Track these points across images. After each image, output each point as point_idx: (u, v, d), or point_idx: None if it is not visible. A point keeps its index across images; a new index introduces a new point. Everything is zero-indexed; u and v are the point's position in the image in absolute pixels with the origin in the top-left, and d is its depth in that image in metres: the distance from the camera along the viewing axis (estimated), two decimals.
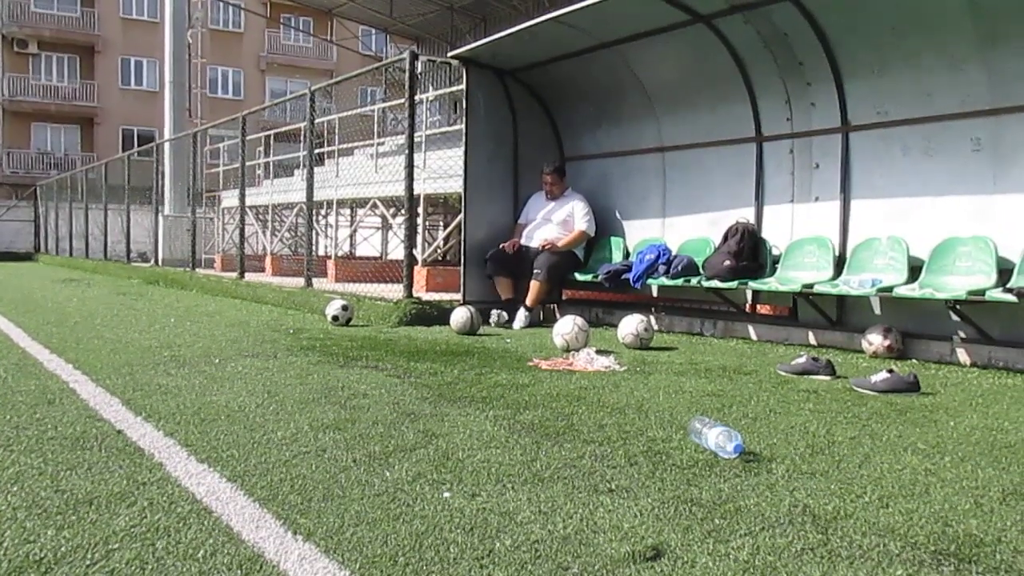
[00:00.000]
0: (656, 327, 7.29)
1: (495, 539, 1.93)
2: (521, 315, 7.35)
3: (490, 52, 7.65)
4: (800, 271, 6.17)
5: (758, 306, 6.80)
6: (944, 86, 5.52)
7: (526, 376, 4.49)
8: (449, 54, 7.82)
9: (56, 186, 26.02)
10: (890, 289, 5.32)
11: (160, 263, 18.62)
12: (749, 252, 6.41)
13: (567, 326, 5.70)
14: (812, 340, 6.18)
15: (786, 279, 6.11)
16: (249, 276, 12.25)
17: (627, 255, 7.66)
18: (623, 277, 7.10)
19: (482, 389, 4.00)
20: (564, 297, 8.46)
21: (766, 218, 6.74)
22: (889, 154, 5.90)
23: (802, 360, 4.81)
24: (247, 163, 21.78)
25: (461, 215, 7.91)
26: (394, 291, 7.95)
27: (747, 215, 6.71)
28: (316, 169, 18.17)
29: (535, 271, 7.48)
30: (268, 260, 16.35)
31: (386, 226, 17.04)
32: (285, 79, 40.87)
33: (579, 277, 7.57)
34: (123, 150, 25.50)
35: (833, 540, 1.95)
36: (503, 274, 7.64)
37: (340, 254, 16.49)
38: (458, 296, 7.90)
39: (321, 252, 17.28)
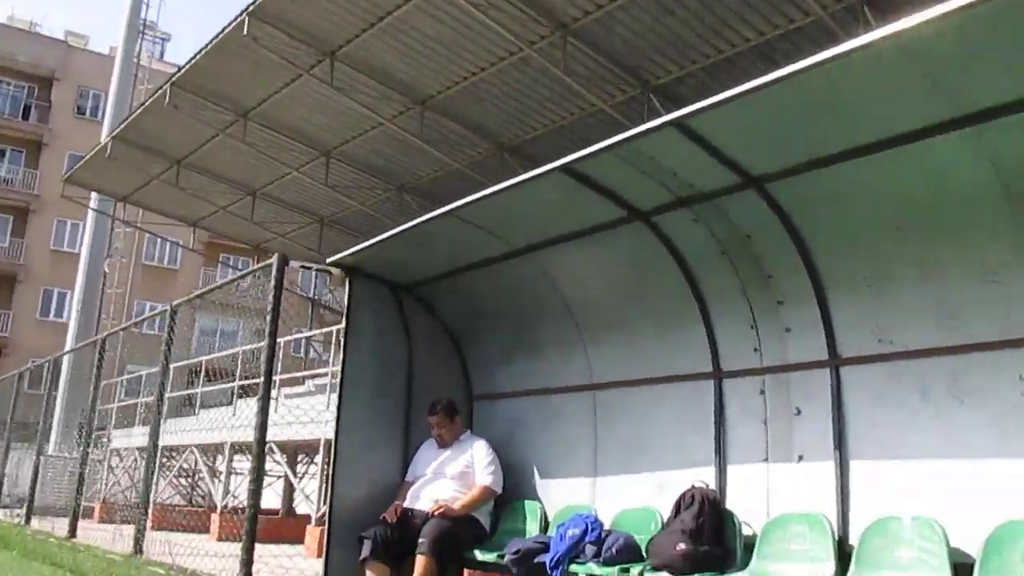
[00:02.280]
0: None
1: None
2: None
3: (380, 259, 6.08)
4: (785, 562, 4.27)
5: None
6: (974, 305, 4.01)
7: None
8: (328, 260, 6.24)
9: None
10: None
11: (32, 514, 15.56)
12: (711, 531, 4.53)
13: None
14: None
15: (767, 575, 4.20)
16: (124, 529, 9.84)
17: (546, 526, 5.71)
18: (537, 560, 5.10)
19: None
20: None
21: (731, 483, 4.92)
22: (902, 398, 4.23)
23: None
24: (145, 399, 19.75)
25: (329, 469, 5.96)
26: (230, 563, 5.79)
27: (705, 477, 4.90)
28: (221, 408, 16.26)
29: (420, 541, 5.44)
30: (150, 511, 13.71)
31: (287, 476, 14.83)
32: (217, 317, 39.46)
33: (479, 556, 5.53)
34: (27, 384, 23.14)
35: None
36: (380, 559, 5.54)
37: (233, 505, 14.15)
38: None
39: (220, 501, 14.92)
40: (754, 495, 4.76)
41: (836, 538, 4.21)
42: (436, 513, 5.57)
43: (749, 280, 4.86)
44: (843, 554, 4.16)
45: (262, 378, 5.88)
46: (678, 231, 4.88)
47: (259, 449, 5.78)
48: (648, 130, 3.98)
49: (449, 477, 5.82)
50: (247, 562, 5.61)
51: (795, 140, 4.12)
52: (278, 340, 13.88)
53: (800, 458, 4.64)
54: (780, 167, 4.24)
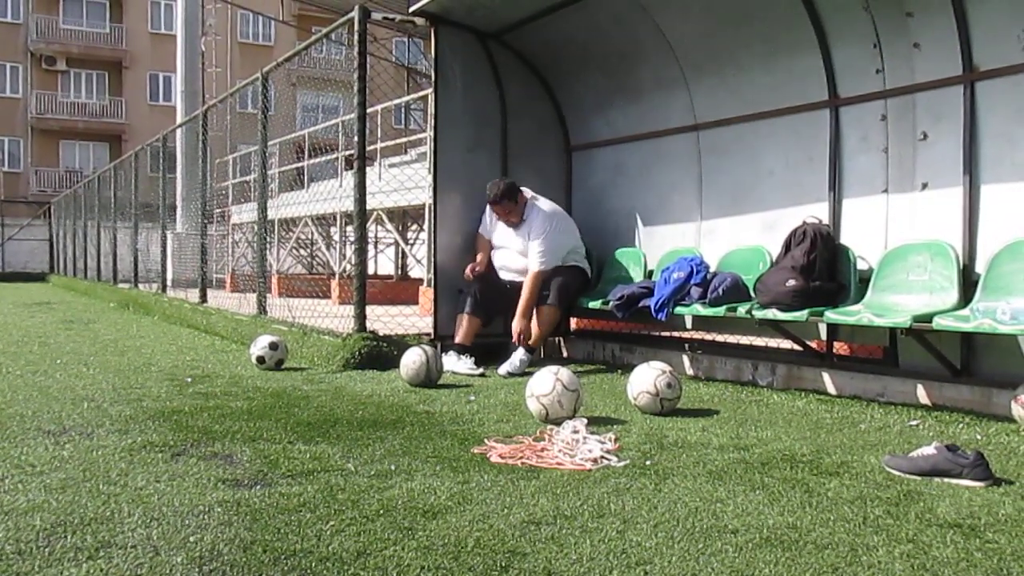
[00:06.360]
0: (691, 372, 5.27)
1: None
2: (517, 357, 5.33)
3: (466, 5, 5.72)
4: (904, 294, 4.09)
5: (835, 344, 4.72)
6: None
7: (452, 482, 2.60)
8: (412, 9, 5.91)
9: (63, 203, 24.81)
10: None
11: (167, 285, 16.66)
12: (824, 266, 4.35)
13: (545, 384, 3.71)
14: (923, 397, 4.10)
15: (883, 307, 4.03)
16: (250, 297, 10.46)
17: (650, 273, 5.64)
18: (641, 304, 5.08)
19: (350, 524, 2.13)
20: (573, 327, 6.47)
21: (846, 217, 4.67)
22: None
23: (929, 451, 2.80)
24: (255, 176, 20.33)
25: (427, 224, 5.98)
26: (347, 322, 6.05)
27: (818, 213, 4.65)
28: (329, 181, 16.59)
29: (543, 293, 5.53)
30: (275, 280, 14.49)
31: (398, 242, 15.29)
32: (317, 93, 39.52)
33: (588, 304, 5.57)
34: (149, 168, 24.14)
35: None
36: (477, 313, 5.66)
37: (349, 271, 14.78)
38: (435, 329, 5.95)
39: (337, 268, 15.64)
40: (871, 228, 4.50)
41: (960, 266, 3.97)
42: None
43: None
44: (967, 283, 3.94)
45: (356, 137, 5.79)
46: None
47: (360, 208, 5.81)
48: None
49: (515, 251, 5.72)
50: (359, 316, 5.82)
51: None
52: (375, 108, 13.82)
53: (924, 186, 4.30)
54: None
